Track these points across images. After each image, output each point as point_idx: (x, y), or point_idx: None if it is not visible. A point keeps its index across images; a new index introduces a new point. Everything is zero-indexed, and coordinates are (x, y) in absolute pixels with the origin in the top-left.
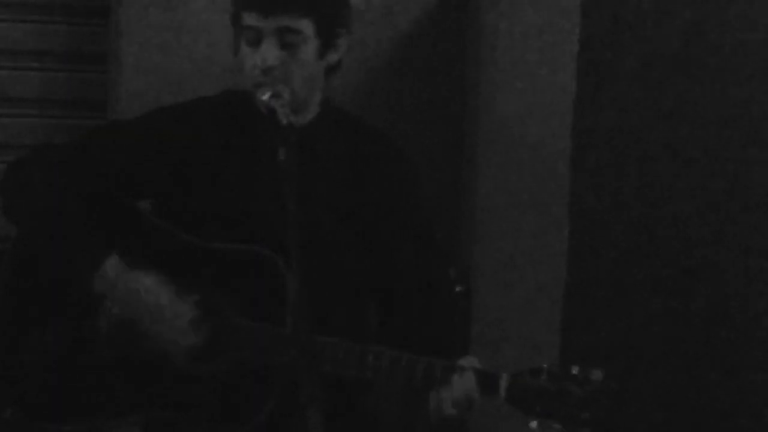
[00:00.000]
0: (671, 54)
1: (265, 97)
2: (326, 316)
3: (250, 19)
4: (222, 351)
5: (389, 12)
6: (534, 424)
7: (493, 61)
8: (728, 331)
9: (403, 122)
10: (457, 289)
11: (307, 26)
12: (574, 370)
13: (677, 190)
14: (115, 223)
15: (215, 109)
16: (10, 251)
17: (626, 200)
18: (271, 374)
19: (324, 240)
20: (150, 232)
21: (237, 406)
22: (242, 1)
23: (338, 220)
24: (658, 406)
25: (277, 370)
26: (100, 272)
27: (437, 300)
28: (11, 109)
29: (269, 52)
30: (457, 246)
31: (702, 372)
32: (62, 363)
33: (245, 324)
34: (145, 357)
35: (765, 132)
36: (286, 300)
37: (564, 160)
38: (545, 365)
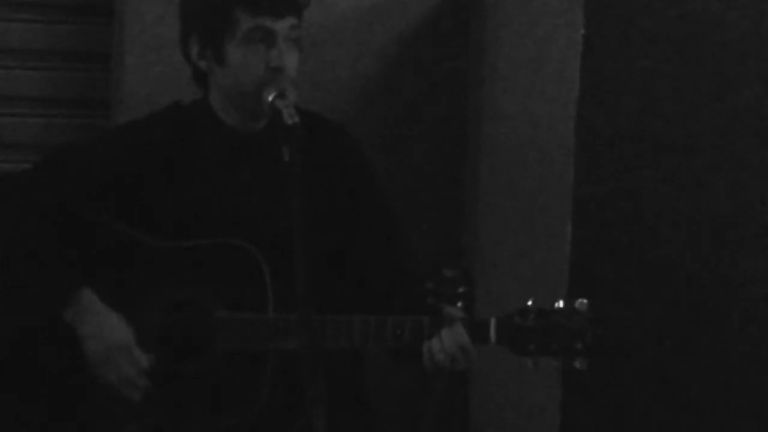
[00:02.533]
0: (677, 52)
1: (271, 97)
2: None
3: (256, 21)
4: (207, 347)
5: (391, 11)
6: (530, 362)
7: (496, 58)
8: (732, 330)
9: (405, 120)
10: (460, 290)
11: (300, 25)
12: (560, 304)
13: (681, 188)
14: (82, 240)
15: (168, 122)
16: None
17: (630, 198)
18: (263, 361)
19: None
20: (121, 243)
21: (232, 396)
22: (246, 4)
23: (316, 213)
24: (661, 404)
25: (268, 356)
26: (71, 303)
27: (406, 274)
28: (12, 108)
29: (288, 53)
30: (458, 244)
31: (708, 371)
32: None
33: (233, 316)
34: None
35: None
36: (266, 288)
37: (567, 159)
38: (530, 304)
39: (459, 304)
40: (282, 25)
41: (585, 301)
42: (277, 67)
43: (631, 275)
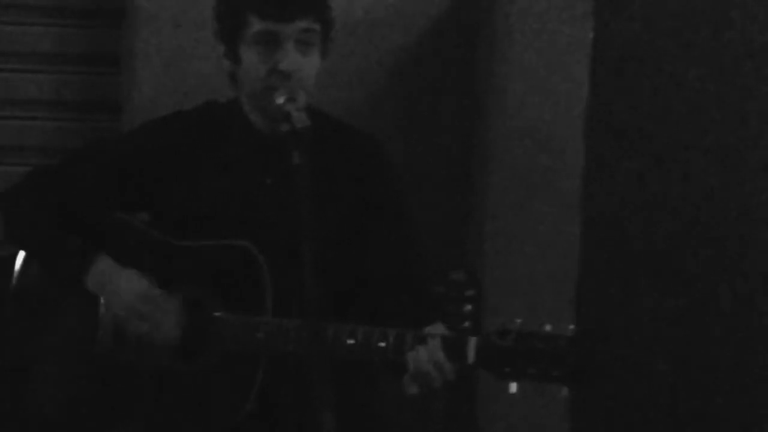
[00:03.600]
0: (687, 51)
1: (281, 101)
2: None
3: (264, 24)
4: (207, 346)
5: (401, 16)
6: (513, 386)
7: (506, 60)
8: (744, 330)
9: (414, 123)
10: (468, 293)
11: (317, 29)
12: (547, 327)
13: (693, 196)
14: (97, 232)
15: (197, 120)
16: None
17: (640, 198)
18: (255, 365)
19: (319, 238)
20: (131, 237)
21: (227, 396)
22: (252, 6)
23: (328, 220)
24: (669, 404)
25: (261, 360)
26: (91, 271)
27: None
28: (25, 111)
29: (291, 56)
30: (467, 247)
31: (718, 373)
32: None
33: (230, 317)
34: (133, 359)
35: None
36: (264, 292)
37: (577, 160)
38: (513, 325)
39: (467, 307)
40: (290, 29)
41: (573, 326)
42: (283, 70)
43: (640, 284)
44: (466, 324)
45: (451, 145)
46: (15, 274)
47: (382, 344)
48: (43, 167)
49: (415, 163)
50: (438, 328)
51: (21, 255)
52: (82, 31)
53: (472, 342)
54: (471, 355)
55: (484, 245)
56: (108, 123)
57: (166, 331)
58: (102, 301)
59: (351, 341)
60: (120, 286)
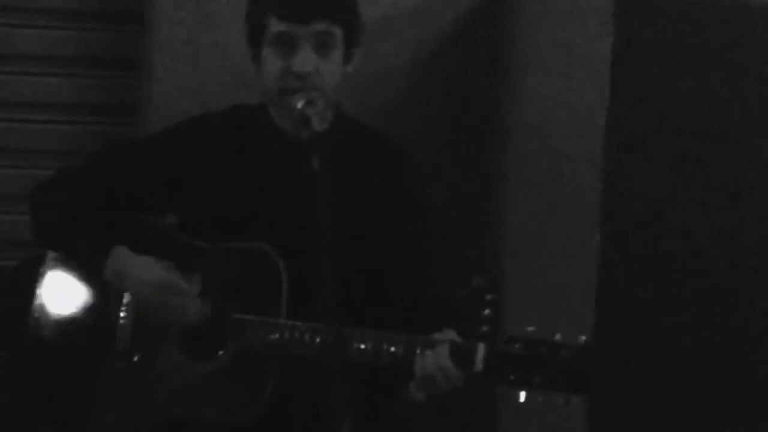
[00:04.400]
0: (708, 60)
1: (300, 104)
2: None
3: (282, 26)
4: (222, 346)
5: (422, 16)
6: (522, 396)
7: (525, 67)
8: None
9: (434, 124)
10: (488, 297)
11: (337, 32)
12: (557, 336)
13: (714, 196)
14: (121, 232)
15: (225, 123)
16: None
17: (660, 207)
18: (273, 364)
19: (337, 241)
20: (152, 237)
21: (239, 398)
22: (272, 8)
23: (347, 224)
24: (690, 411)
25: (275, 362)
26: (108, 261)
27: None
28: (41, 115)
29: (306, 58)
30: (486, 253)
31: (742, 379)
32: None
33: (246, 318)
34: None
35: None
36: (281, 295)
37: (595, 168)
38: (523, 333)
39: (486, 312)
40: (306, 31)
41: (584, 337)
42: (297, 72)
43: (662, 284)
44: (485, 328)
45: (471, 146)
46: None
47: (393, 349)
48: (71, 166)
49: (433, 164)
50: (449, 334)
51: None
52: (99, 34)
53: (481, 349)
54: (479, 362)
55: (503, 250)
56: (124, 126)
57: (191, 315)
58: (125, 291)
59: (362, 346)
60: (138, 275)
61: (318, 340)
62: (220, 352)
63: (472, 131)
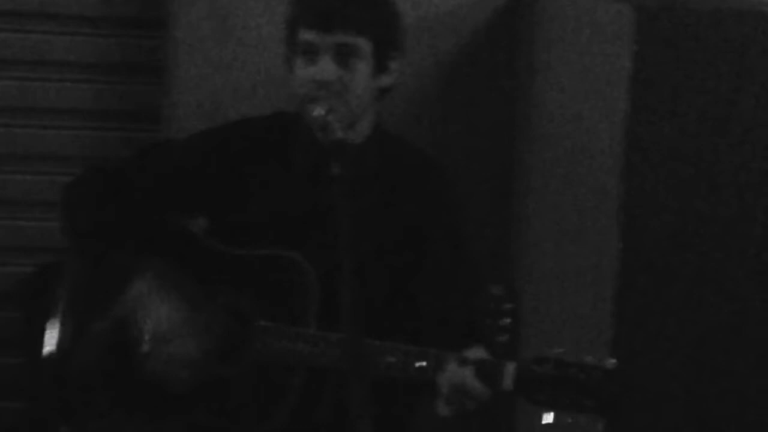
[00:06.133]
0: (725, 65)
1: (318, 112)
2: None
3: (307, 34)
4: (246, 353)
5: (441, 27)
6: (549, 416)
7: (545, 73)
8: None
9: (451, 138)
10: (507, 306)
11: (363, 44)
12: (587, 359)
13: (733, 205)
14: (149, 234)
15: (261, 129)
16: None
17: (679, 221)
18: (292, 376)
19: (361, 253)
20: (185, 242)
21: (262, 404)
22: (301, 17)
23: (375, 237)
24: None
25: (301, 372)
26: (129, 289)
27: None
28: (64, 121)
29: (327, 67)
30: (506, 262)
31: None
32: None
33: (273, 326)
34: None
35: None
36: (309, 303)
37: (615, 174)
38: (553, 353)
39: (505, 321)
40: (328, 40)
41: (614, 360)
42: (318, 81)
43: (683, 290)
44: (504, 337)
45: (490, 156)
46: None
47: (421, 364)
48: (105, 163)
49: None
50: (478, 351)
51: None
52: (123, 40)
53: (510, 368)
54: (508, 381)
55: (522, 260)
56: (146, 132)
57: (173, 374)
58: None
59: (390, 359)
60: (155, 311)
61: (343, 351)
62: (242, 360)
63: (491, 141)
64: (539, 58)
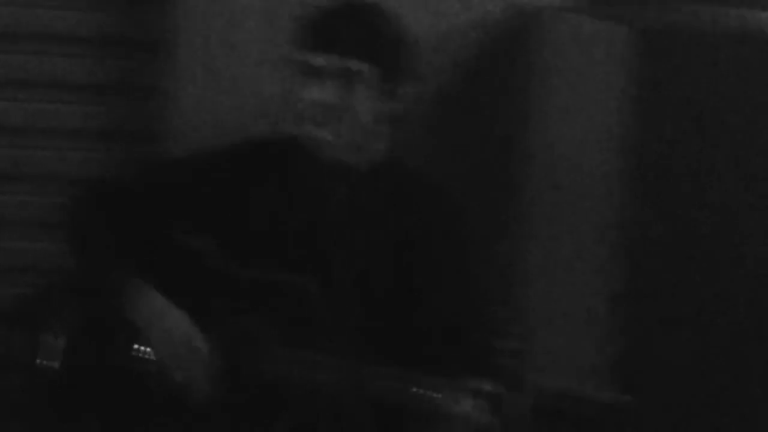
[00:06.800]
0: (732, 77)
1: (323, 134)
2: (359, 348)
3: (311, 57)
4: (249, 376)
5: (442, 50)
6: None
7: (546, 88)
8: None
9: (455, 158)
10: (511, 329)
11: (367, 69)
12: (603, 396)
13: (733, 216)
14: (154, 253)
15: (265, 149)
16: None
17: (680, 234)
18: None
19: (365, 279)
20: (187, 262)
21: (266, 426)
22: (305, 39)
23: (380, 263)
24: None
25: (302, 396)
26: (140, 305)
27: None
28: (61, 141)
29: (329, 91)
30: (513, 285)
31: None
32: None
33: (278, 350)
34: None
35: None
36: (314, 328)
37: (617, 195)
38: (570, 389)
39: (512, 345)
40: (330, 63)
41: (629, 398)
42: (321, 103)
43: (689, 310)
44: (510, 362)
45: (493, 176)
46: None
47: (430, 392)
48: (107, 180)
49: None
50: (485, 382)
51: None
52: (122, 61)
53: (524, 401)
54: (521, 413)
55: (526, 282)
56: (144, 152)
57: (199, 385)
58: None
59: (397, 386)
60: (170, 329)
61: (343, 375)
62: (247, 384)
63: (494, 160)
64: (538, 78)
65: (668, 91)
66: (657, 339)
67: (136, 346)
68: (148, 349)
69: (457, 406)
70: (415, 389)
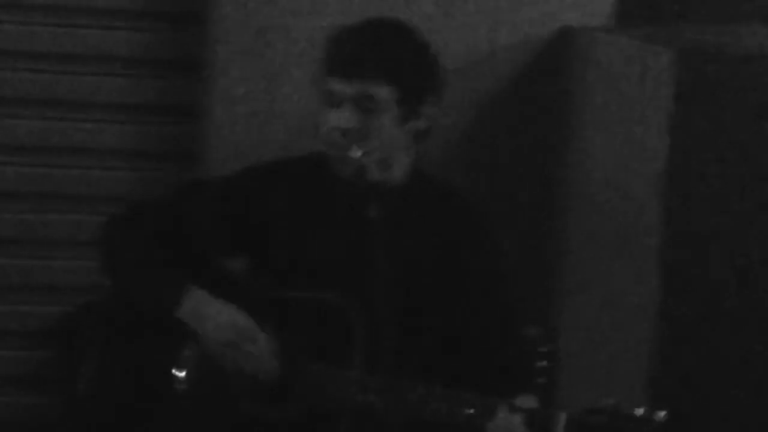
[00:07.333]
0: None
1: (357, 154)
2: (397, 366)
3: (332, 82)
4: (294, 395)
5: (481, 66)
6: None
7: (584, 111)
8: None
9: (490, 182)
10: (542, 349)
11: (388, 93)
12: (638, 412)
13: None
14: (191, 275)
15: (300, 169)
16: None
17: (722, 253)
18: (339, 421)
19: (400, 297)
20: (225, 282)
21: None
22: (326, 64)
23: (414, 280)
24: None
25: (346, 416)
26: (184, 302)
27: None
28: (102, 161)
29: (346, 116)
30: (545, 304)
31: None
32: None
33: (319, 369)
34: (220, 398)
35: None
36: (354, 347)
37: (655, 218)
38: (605, 404)
39: (542, 363)
40: (349, 89)
41: (664, 413)
42: (339, 128)
43: (724, 334)
44: (541, 380)
45: (531, 194)
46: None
47: (470, 411)
48: (145, 201)
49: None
50: (528, 400)
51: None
52: (160, 82)
53: (562, 418)
54: (559, 430)
55: (560, 301)
56: (185, 173)
57: (265, 368)
58: (199, 332)
59: (436, 405)
60: (220, 318)
61: (386, 396)
62: (291, 401)
63: (528, 181)
64: (578, 99)
65: (705, 108)
66: (693, 354)
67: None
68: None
69: (503, 424)
70: (461, 408)
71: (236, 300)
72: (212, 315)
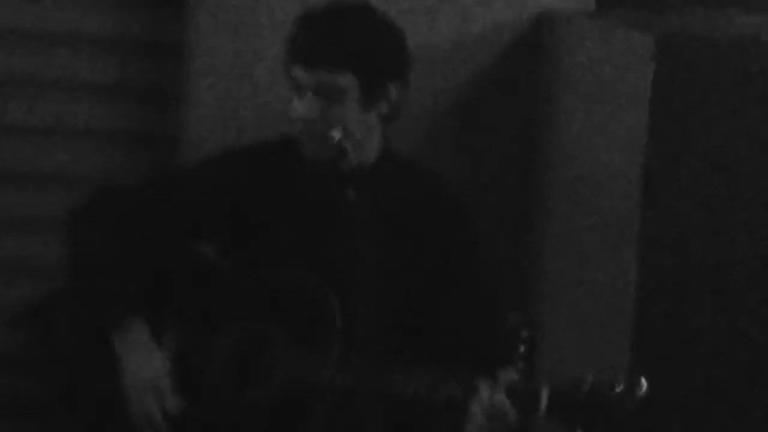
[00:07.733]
0: (748, 89)
1: (338, 136)
2: (377, 348)
3: (296, 70)
4: (268, 377)
5: (459, 53)
6: None
7: (564, 97)
8: None
9: (470, 165)
10: (523, 334)
11: (349, 80)
12: (619, 382)
13: (755, 230)
14: (167, 261)
15: (273, 153)
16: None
17: (702, 245)
18: (317, 403)
19: (379, 277)
20: (199, 268)
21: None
22: (289, 53)
23: (391, 260)
24: None
25: (325, 398)
26: (121, 334)
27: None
28: (78, 142)
29: (308, 105)
30: (523, 288)
31: None
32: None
33: (297, 351)
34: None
35: None
36: (334, 327)
37: (634, 199)
38: (588, 376)
39: (521, 349)
40: (311, 78)
41: (645, 385)
42: (299, 117)
43: (703, 321)
44: (520, 365)
45: (509, 183)
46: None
47: (452, 390)
48: (109, 189)
49: (471, 200)
50: (509, 374)
51: None
52: (138, 64)
53: (545, 391)
54: (543, 404)
55: (540, 285)
56: (158, 155)
57: (156, 428)
58: (122, 365)
59: (418, 385)
60: (145, 365)
61: (364, 375)
62: (262, 385)
63: (509, 167)
64: (558, 85)
65: (686, 94)
66: (671, 342)
67: None
68: None
69: (486, 399)
70: (442, 386)
71: (209, 287)
72: (139, 360)
